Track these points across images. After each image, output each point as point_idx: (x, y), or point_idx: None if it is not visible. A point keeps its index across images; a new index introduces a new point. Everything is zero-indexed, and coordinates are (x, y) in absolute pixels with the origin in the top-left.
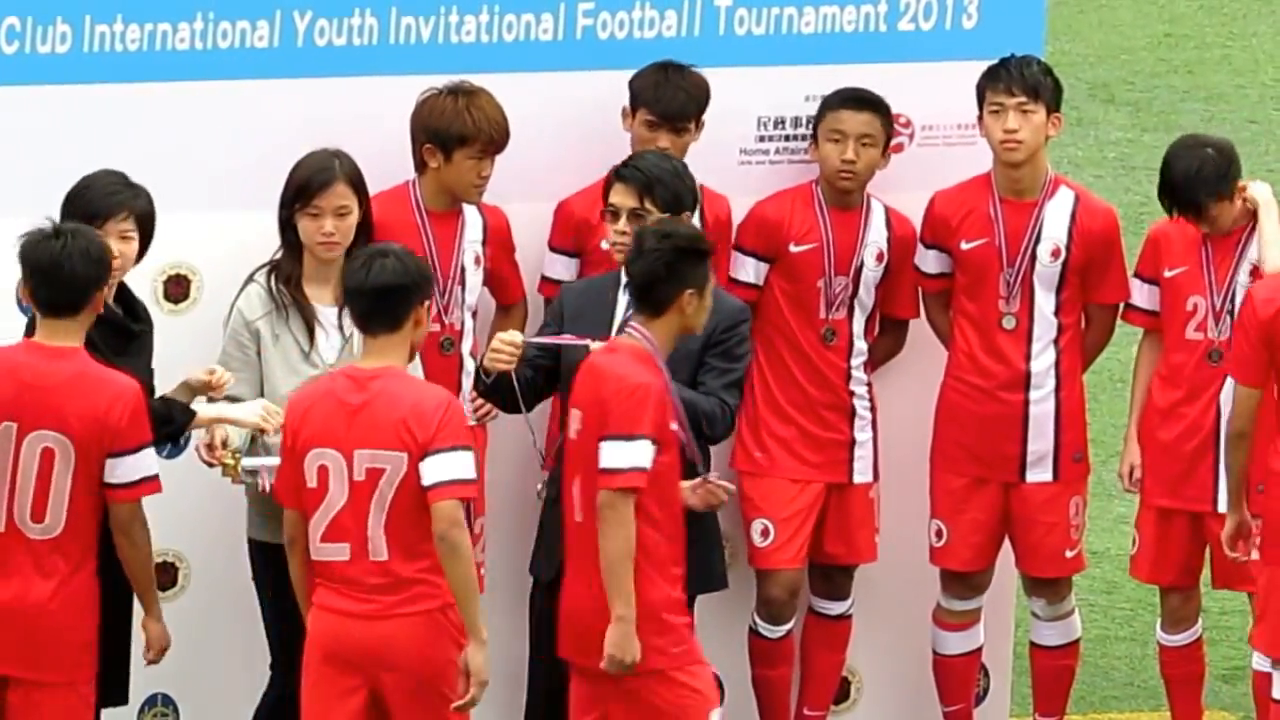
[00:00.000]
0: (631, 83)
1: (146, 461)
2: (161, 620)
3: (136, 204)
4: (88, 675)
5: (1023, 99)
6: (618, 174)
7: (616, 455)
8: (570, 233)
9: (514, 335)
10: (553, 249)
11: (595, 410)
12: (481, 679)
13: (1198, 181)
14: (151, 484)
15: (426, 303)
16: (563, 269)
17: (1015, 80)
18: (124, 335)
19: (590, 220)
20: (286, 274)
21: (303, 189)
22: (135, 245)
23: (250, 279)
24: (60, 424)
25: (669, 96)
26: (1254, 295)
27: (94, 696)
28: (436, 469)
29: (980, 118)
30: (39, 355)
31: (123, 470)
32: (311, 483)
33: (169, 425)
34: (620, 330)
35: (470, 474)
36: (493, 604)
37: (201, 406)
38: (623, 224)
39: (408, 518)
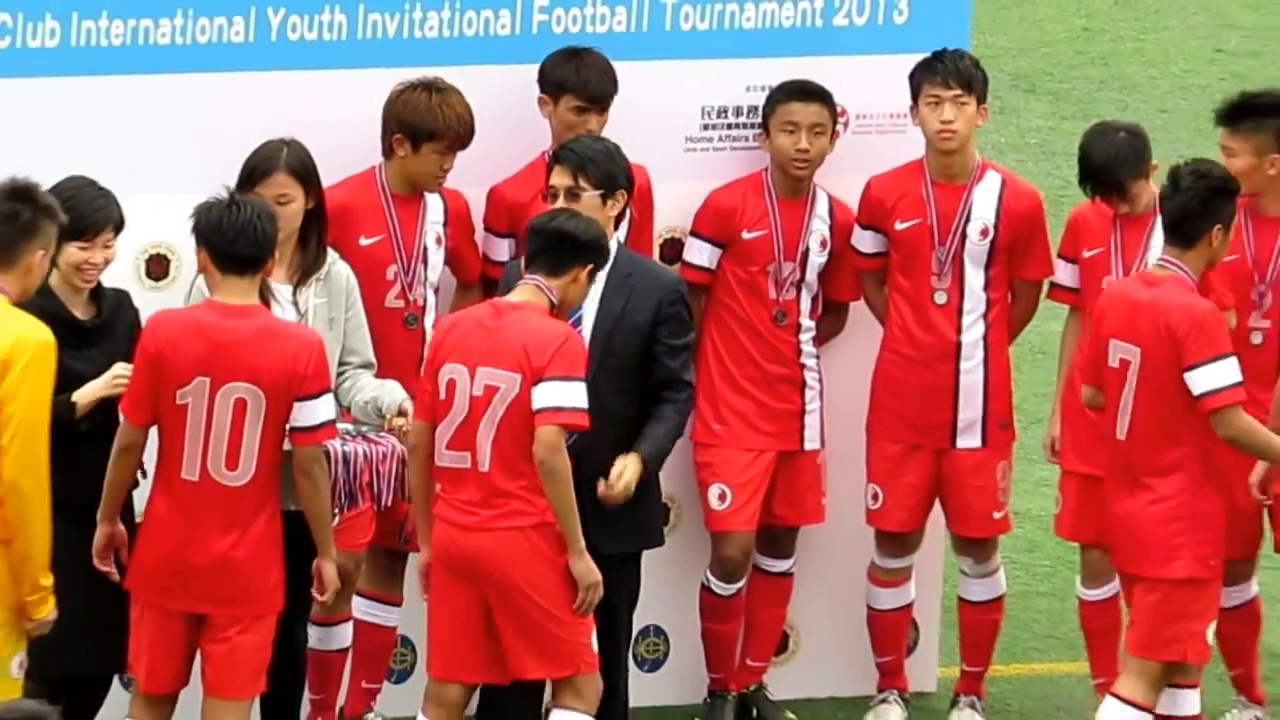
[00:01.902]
0: (549, 73)
1: (327, 407)
2: (334, 562)
3: (115, 213)
4: (275, 609)
5: (958, 91)
6: (555, 156)
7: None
8: (504, 214)
9: None
10: (488, 230)
11: None
12: (588, 582)
13: (1118, 164)
14: (330, 429)
15: (590, 268)
16: (503, 250)
17: (951, 74)
18: (75, 331)
19: (521, 201)
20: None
21: (248, 176)
22: (115, 251)
23: None
24: (252, 375)
25: (594, 79)
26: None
27: (276, 627)
28: (545, 395)
29: (914, 108)
30: (222, 313)
31: (306, 414)
32: (441, 394)
33: (61, 425)
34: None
35: (578, 403)
36: None
37: (79, 394)
38: (560, 203)
39: (513, 437)
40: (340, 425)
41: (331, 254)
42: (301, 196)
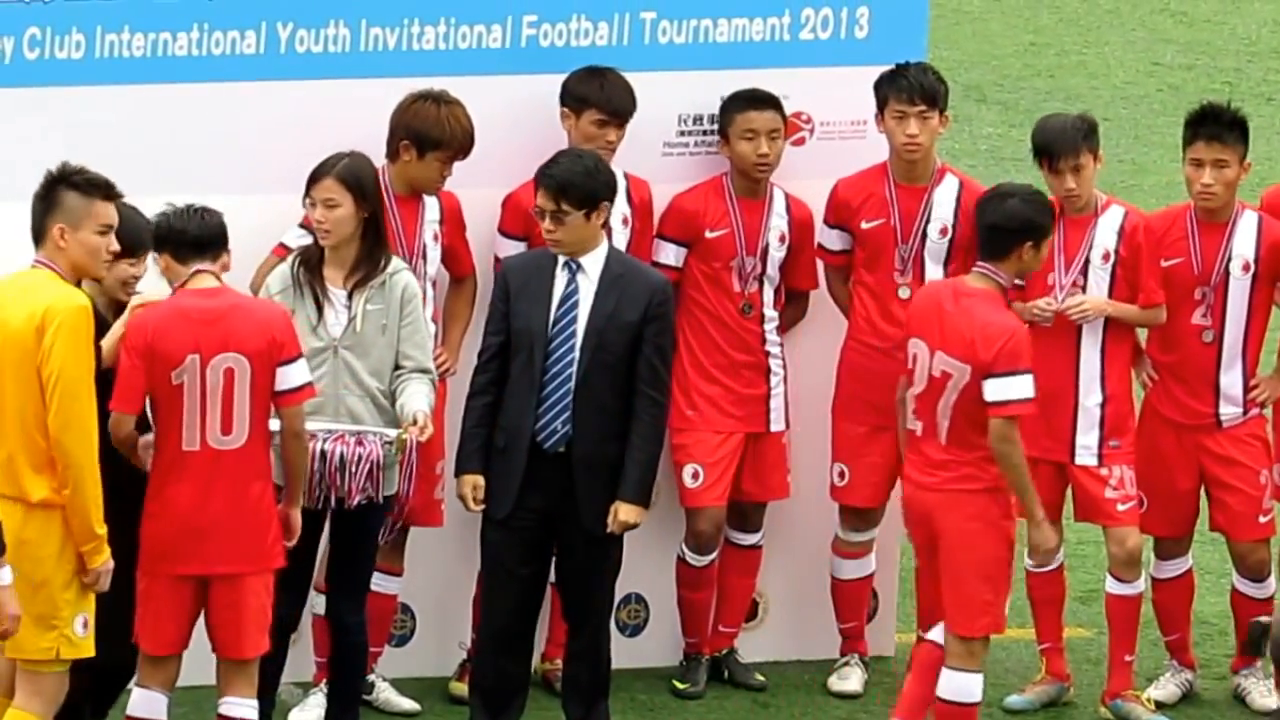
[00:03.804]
0: (574, 89)
1: (303, 370)
2: (299, 509)
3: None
4: (274, 565)
5: (923, 107)
6: (538, 181)
7: None
8: (520, 219)
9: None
10: (503, 234)
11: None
12: (1046, 547)
13: (1070, 128)
14: (310, 389)
15: (1045, 244)
16: (514, 251)
17: (917, 90)
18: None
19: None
20: (307, 258)
21: (309, 181)
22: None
23: (280, 260)
24: (237, 344)
25: (617, 96)
26: None
27: (274, 580)
28: (995, 390)
29: (880, 117)
30: (199, 296)
31: (289, 376)
32: (909, 364)
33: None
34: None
35: (1025, 394)
36: (450, 536)
37: (103, 343)
38: (549, 223)
39: (966, 418)
40: (342, 427)
41: (396, 263)
42: (350, 204)
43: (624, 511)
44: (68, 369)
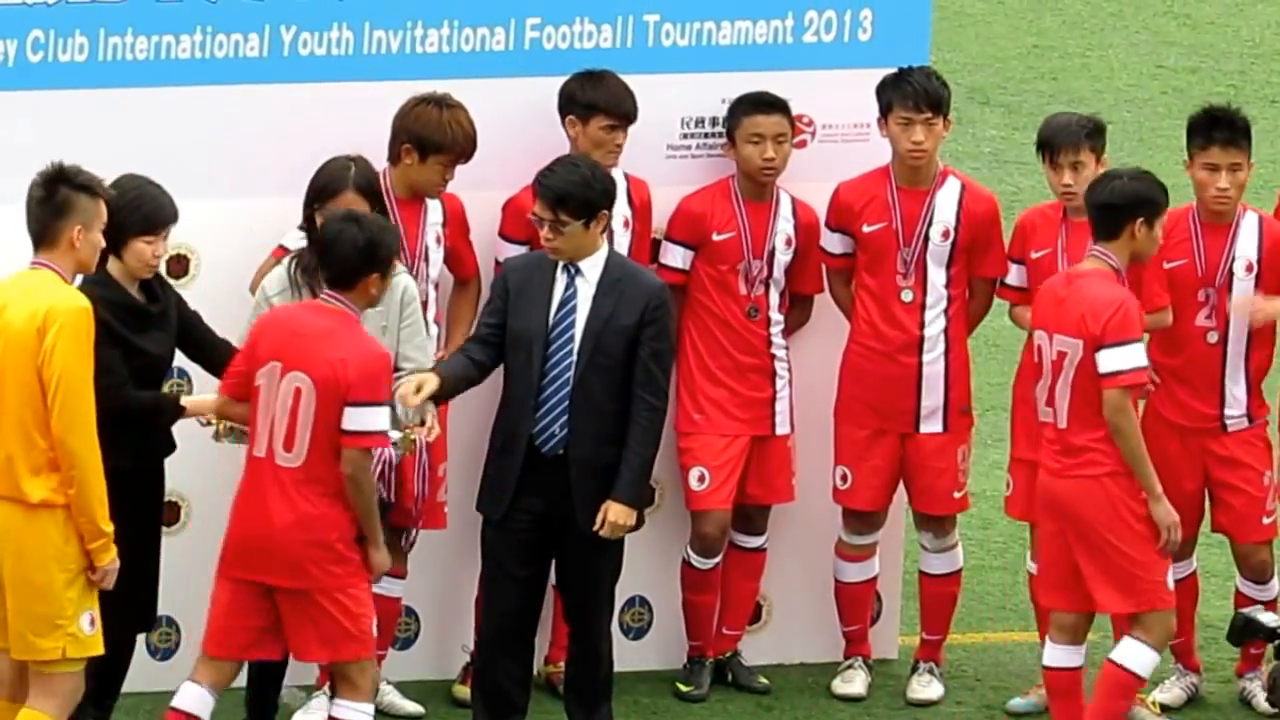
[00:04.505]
0: (579, 95)
1: (373, 418)
2: (382, 550)
3: (174, 210)
4: (338, 584)
5: (929, 114)
6: (536, 190)
7: None
8: (522, 224)
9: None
10: (504, 238)
11: None
12: (1167, 523)
13: (1076, 126)
14: (373, 438)
15: (1158, 223)
16: (515, 254)
17: (922, 98)
18: (140, 315)
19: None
20: (305, 262)
21: (319, 194)
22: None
23: (278, 262)
24: (307, 367)
25: (624, 99)
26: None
27: (348, 600)
28: (1108, 360)
29: (884, 121)
30: (311, 310)
31: (350, 419)
32: (1035, 357)
33: (161, 416)
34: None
35: (1138, 362)
36: (453, 539)
37: (188, 400)
38: (547, 231)
39: (1084, 395)
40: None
41: (394, 265)
42: (365, 209)
43: (614, 512)
44: (70, 369)
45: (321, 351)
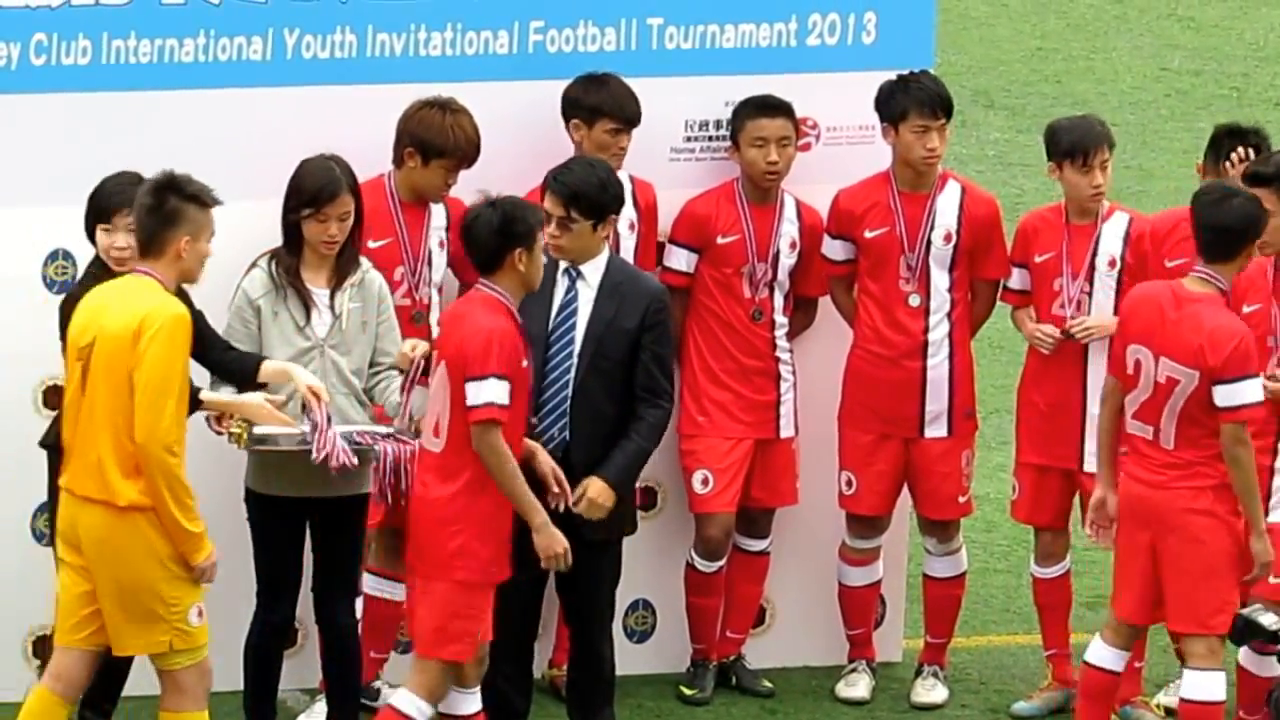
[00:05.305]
0: (584, 100)
1: (490, 390)
2: (544, 532)
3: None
4: (458, 575)
5: (943, 121)
6: (549, 185)
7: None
8: None
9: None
10: None
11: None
12: (1264, 559)
13: (1098, 125)
14: (491, 410)
15: (1255, 241)
16: None
17: (938, 103)
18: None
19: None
20: (286, 263)
21: (314, 199)
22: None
23: (254, 265)
24: (441, 350)
25: (628, 102)
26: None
27: (466, 592)
28: (1226, 395)
29: (893, 128)
30: (460, 300)
31: (471, 393)
32: (1129, 370)
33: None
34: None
35: (1258, 397)
36: None
37: (207, 394)
38: (554, 228)
39: (1195, 422)
40: (376, 427)
41: (365, 262)
42: (353, 210)
43: (594, 488)
44: (157, 374)
45: (449, 334)
